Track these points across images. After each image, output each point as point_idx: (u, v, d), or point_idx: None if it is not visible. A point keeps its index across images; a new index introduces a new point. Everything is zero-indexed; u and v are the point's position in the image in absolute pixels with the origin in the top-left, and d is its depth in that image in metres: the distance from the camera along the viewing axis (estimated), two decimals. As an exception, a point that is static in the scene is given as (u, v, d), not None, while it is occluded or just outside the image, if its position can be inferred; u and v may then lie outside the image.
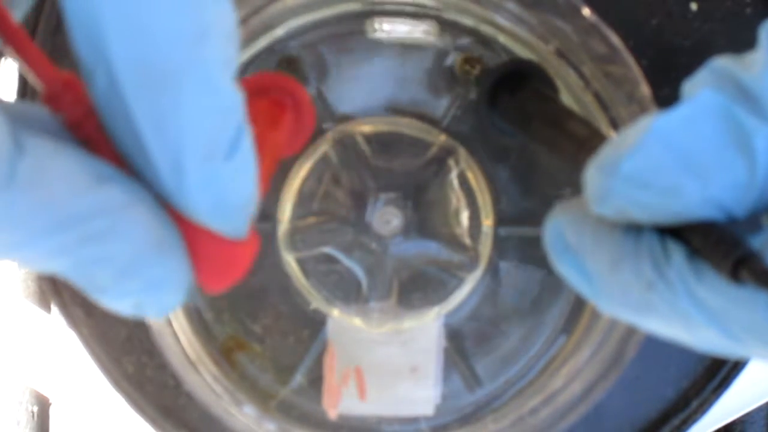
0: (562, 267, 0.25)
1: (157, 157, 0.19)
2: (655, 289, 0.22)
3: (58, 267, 0.20)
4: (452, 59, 0.39)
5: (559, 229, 0.25)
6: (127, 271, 0.20)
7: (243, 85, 0.20)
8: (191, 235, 0.21)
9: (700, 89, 0.21)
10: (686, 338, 0.23)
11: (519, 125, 0.34)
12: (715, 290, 0.21)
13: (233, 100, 0.20)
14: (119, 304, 0.21)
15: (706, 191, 0.21)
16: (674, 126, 0.21)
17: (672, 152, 0.21)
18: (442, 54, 0.39)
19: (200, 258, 0.21)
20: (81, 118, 0.20)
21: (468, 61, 0.39)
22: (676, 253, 0.22)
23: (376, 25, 0.39)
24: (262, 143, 0.22)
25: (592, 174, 0.23)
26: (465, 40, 0.39)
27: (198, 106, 0.19)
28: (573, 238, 0.24)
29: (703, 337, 0.22)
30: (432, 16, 0.39)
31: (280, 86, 0.27)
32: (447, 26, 0.39)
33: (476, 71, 0.38)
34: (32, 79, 0.21)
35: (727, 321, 0.21)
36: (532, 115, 0.33)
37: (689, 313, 0.21)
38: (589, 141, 0.29)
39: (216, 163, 0.20)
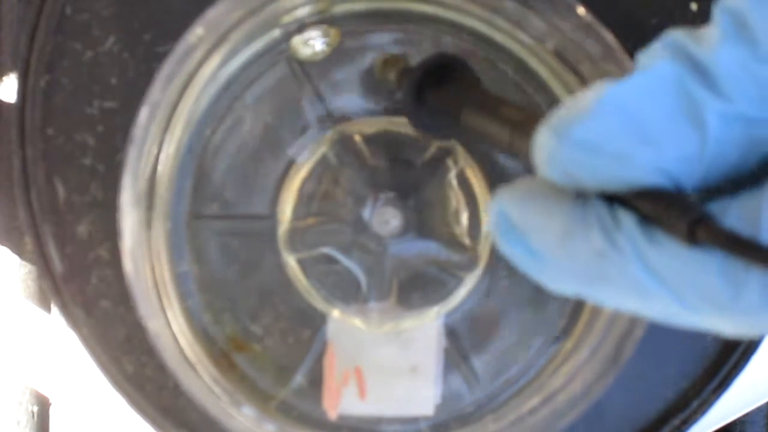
0: (506, 246, 0.25)
1: None
2: (606, 257, 0.22)
3: None
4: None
5: (502, 208, 0.25)
6: None
7: None
8: None
9: (655, 60, 0.21)
10: (640, 308, 0.22)
11: (449, 118, 0.33)
12: (666, 255, 0.21)
13: None
14: None
15: (656, 160, 0.21)
16: (628, 94, 0.21)
17: (625, 120, 0.21)
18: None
19: None
20: None
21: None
22: (626, 219, 0.22)
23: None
24: None
25: (543, 136, 0.23)
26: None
27: None
28: (517, 216, 0.24)
29: (656, 306, 0.22)
30: (432, 17, 0.39)
31: None
32: (443, 26, 0.39)
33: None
34: None
35: (679, 286, 0.21)
36: (462, 106, 0.32)
37: (641, 280, 0.21)
38: (523, 125, 0.28)
39: None
